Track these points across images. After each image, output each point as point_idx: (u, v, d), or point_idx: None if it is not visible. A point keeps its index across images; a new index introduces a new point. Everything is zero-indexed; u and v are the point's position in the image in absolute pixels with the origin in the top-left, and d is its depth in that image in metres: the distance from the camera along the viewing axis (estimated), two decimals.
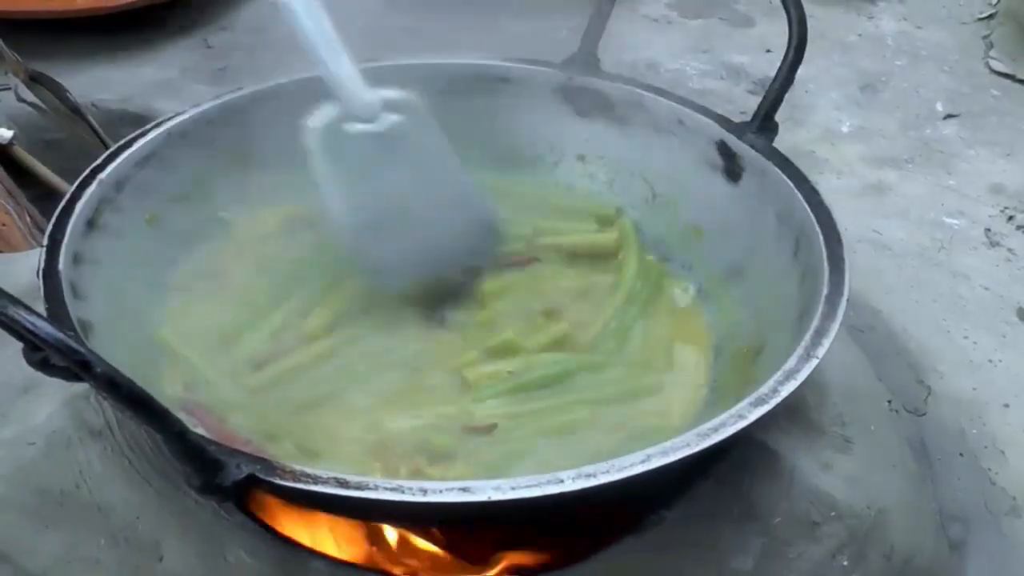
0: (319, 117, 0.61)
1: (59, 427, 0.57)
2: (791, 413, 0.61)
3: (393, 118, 0.63)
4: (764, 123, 0.65)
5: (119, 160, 0.62)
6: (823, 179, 1.04)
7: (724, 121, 0.68)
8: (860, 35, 1.36)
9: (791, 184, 0.61)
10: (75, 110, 0.98)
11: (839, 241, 0.57)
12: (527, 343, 0.62)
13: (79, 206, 0.58)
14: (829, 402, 0.64)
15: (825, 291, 0.53)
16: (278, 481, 0.41)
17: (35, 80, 0.97)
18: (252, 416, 0.56)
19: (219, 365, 0.60)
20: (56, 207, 0.57)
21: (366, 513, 0.52)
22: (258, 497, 0.52)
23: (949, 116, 1.18)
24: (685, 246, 0.70)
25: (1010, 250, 0.95)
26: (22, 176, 0.96)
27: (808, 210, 0.59)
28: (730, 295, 0.66)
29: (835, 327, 0.51)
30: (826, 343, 0.50)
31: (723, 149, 0.67)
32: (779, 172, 0.63)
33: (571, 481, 0.42)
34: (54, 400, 0.59)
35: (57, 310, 0.50)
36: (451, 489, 0.41)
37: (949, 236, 0.97)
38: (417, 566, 0.57)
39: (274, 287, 0.66)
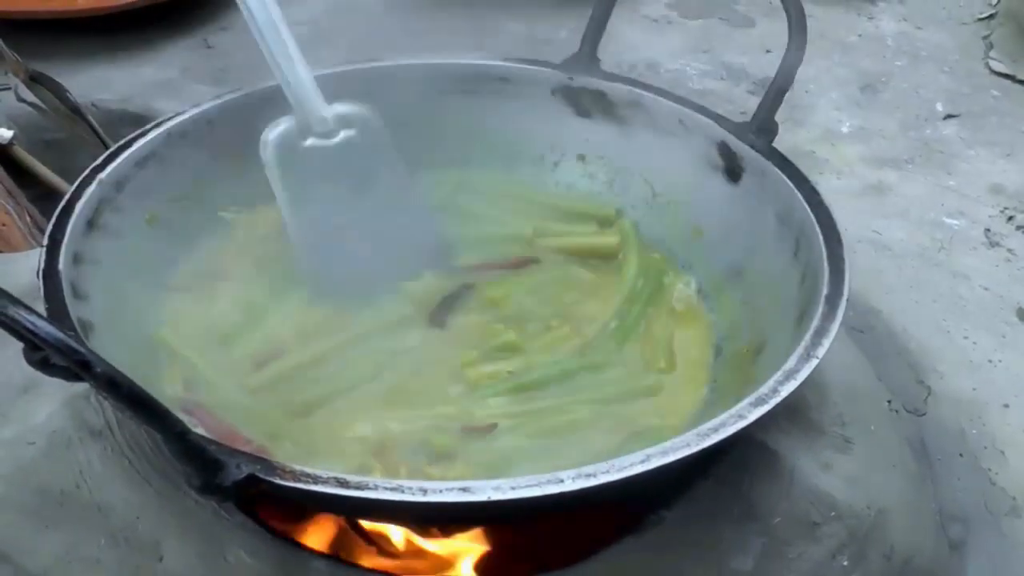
0: (274, 130, 0.65)
1: (59, 427, 0.57)
2: (791, 413, 0.61)
3: (346, 133, 0.66)
4: (764, 123, 0.65)
5: (119, 160, 0.62)
6: (823, 179, 1.04)
7: (724, 121, 0.68)
8: (860, 35, 1.36)
9: (791, 184, 0.62)
10: (75, 110, 0.98)
11: (839, 241, 0.57)
12: (527, 343, 0.63)
13: (79, 206, 0.58)
14: (829, 402, 0.64)
15: (825, 291, 0.53)
16: (278, 481, 0.41)
17: (35, 80, 0.97)
18: (252, 416, 0.56)
19: (219, 365, 0.60)
20: (56, 207, 0.57)
21: (366, 513, 0.52)
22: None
23: (949, 116, 1.18)
24: (685, 246, 0.70)
25: (1010, 250, 0.95)
26: (22, 176, 0.96)
27: (808, 210, 0.59)
28: (730, 295, 0.66)
29: (835, 327, 0.51)
30: (826, 343, 0.50)
31: (723, 149, 0.67)
32: (779, 172, 0.63)
33: (571, 481, 0.42)
34: (54, 400, 0.59)
35: (57, 310, 0.50)
36: (451, 489, 0.41)
37: (949, 236, 0.97)
38: (417, 565, 0.57)
39: (274, 287, 0.66)
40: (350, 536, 0.57)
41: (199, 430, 0.45)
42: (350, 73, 0.71)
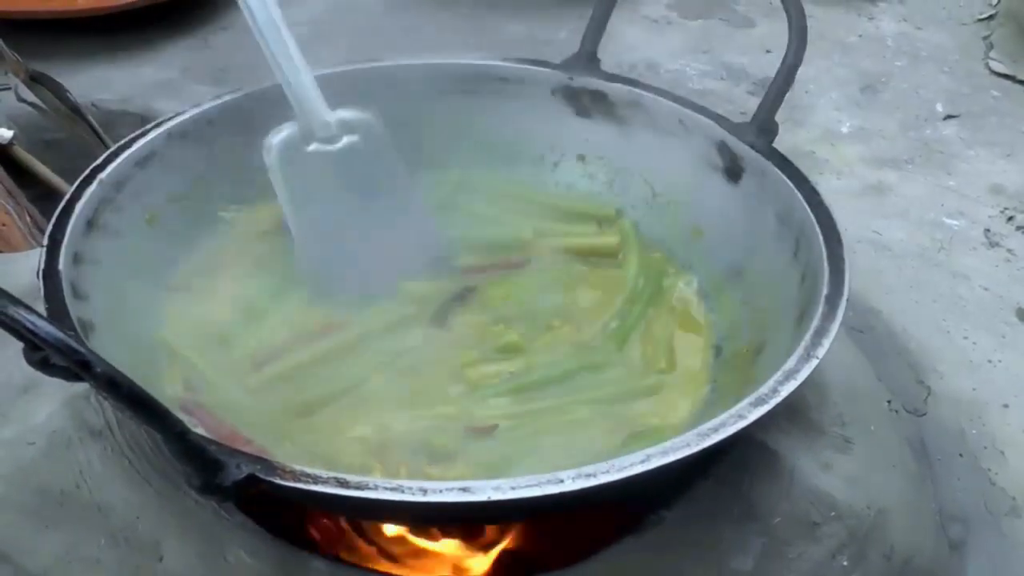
0: (278, 135, 0.65)
1: (59, 427, 0.57)
2: (791, 413, 0.61)
3: (349, 139, 0.67)
4: (764, 123, 0.65)
5: (119, 160, 0.62)
6: (823, 179, 1.04)
7: (724, 121, 0.68)
8: (860, 36, 1.36)
9: (791, 184, 0.62)
10: (75, 110, 0.98)
11: (839, 241, 0.57)
12: (528, 344, 0.63)
13: (79, 206, 0.58)
14: (829, 402, 0.64)
15: (825, 291, 0.53)
16: (278, 481, 0.41)
17: (35, 80, 0.97)
18: (252, 416, 0.56)
19: (219, 365, 0.60)
20: (56, 207, 0.57)
21: (366, 513, 0.52)
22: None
23: (949, 117, 1.18)
24: (685, 246, 0.70)
25: (1010, 250, 0.95)
26: (22, 176, 0.96)
27: (808, 210, 0.59)
28: (730, 295, 0.66)
29: (835, 327, 0.51)
30: (826, 343, 0.50)
31: (723, 149, 0.67)
32: (779, 172, 0.63)
33: (571, 481, 0.42)
34: (54, 400, 0.59)
35: (57, 310, 0.50)
36: (451, 489, 0.41)
37: (949, 236, 0.97)
38: (417, 565, 0.57)
39: (274, 287, 0.66)
40: (350, 535, 0.57)
41: (199, 430, 0.45)
42: (350, 73, 0.71)
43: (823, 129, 1.14)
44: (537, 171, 0.76)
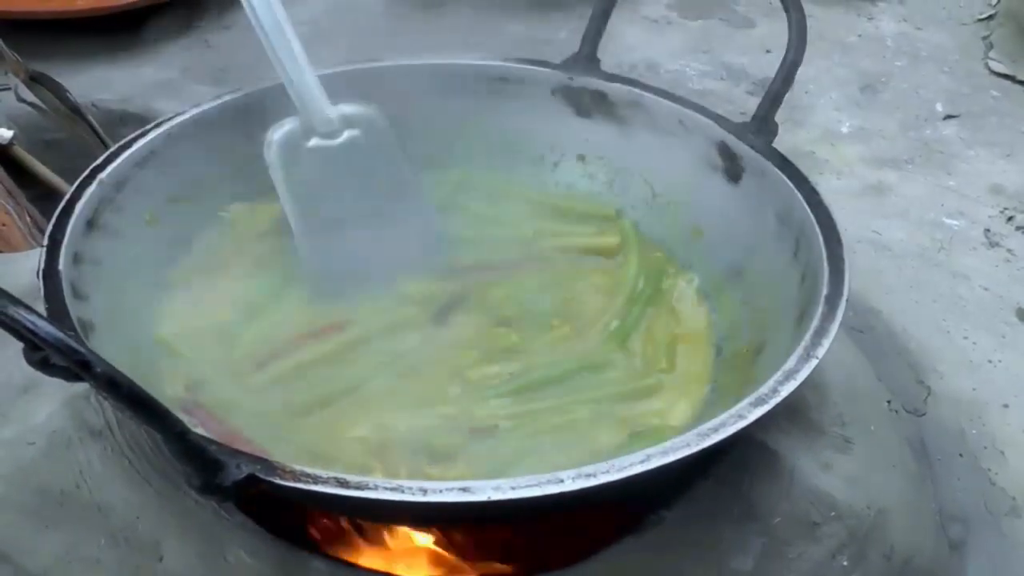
0: (278, 130, 0.65)
1: (59, 427, 0.57)
2: (791, 413, 0.61)
3: (350, 133, 0.67)
4: (764, 124, 0.65)
5: (119, 160, 0.62)
6: (823, 179, 1.04)
7: (724, 122, 0.68)
8: (860, 36, 1.36)
9: (791, 184, 0.62)
10: (75, 110, 0.98)
11: (839, 241, 0.57)
12: (528, 344, 0.63)
13: (79, 206, 0.58)
14: (829, 402, 0.64)
15: (825, 291, 0.53)
16: (278, 481, 0.41)
17: (35, 80, 0.97)
18: (252, 416, 0.56)
19: (219, 365, 0.60)
20: (56, 207, 0.57)
21: (366, 513, 0.52)
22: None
23: (949, 117, 1.18)
24: (685, 246, 0.70)
25: (1010, 251, 0.95)
26: (22, 176, 0.96)
27: (808, 210, 0.59)
28: (730, 295, 0.66)
29: (835, 327, 0.51)
30: (826, 343, 0.50)
31: (723, 150, 0.67)
32: (779, 172, 0.63)
33: (571, 481, 0.42)
34: (54, 400, 0.59)
35: (57, 310, 0.50)
36: (451, 489, 0.41)
37: (949, 236, 0.97)
38: (416, 565, 0.57)
39: (274, 287, 0.66)
40: (349, 535, 0.57)
41: (199, 430, 0.45)
42: (350, 73, 0.71)
43: (823, 129, 1.14)
44: (537, 171, 0.76)
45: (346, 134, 0.67)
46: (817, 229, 0.58)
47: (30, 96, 0.98)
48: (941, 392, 0.78)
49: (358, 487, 0.41)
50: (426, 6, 1.32)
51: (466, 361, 0.61)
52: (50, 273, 0.52)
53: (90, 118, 0.99)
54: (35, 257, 0.54)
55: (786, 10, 0.63)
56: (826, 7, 1.40)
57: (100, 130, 0.98)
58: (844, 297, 0.53)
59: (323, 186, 0.66)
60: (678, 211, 0.71)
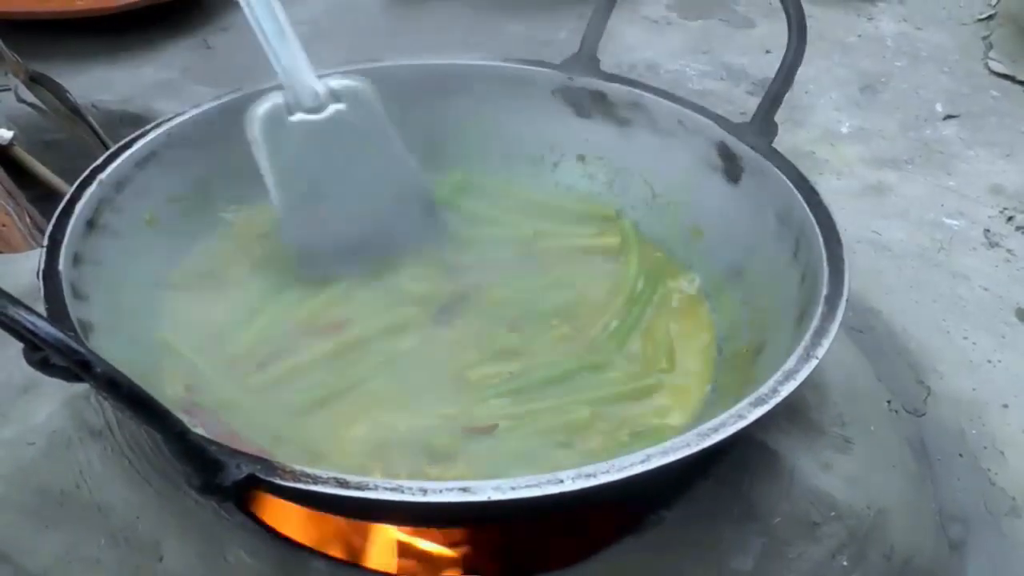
0: (261, 105, 0.64)
1: (59, 427, 0.57)
2: (791, 413, 0.61)
3: (335, 107, 0.65)
4: (764, 124, 0.65)
5: (119, 160, 0.62)
6: (823, 180, 1.04)
7: (724, 122, 0.68)
8: (860, 36, 1.36)
9: (791, 185, 0.62)
10: (75, 111, 0.98)
11: (839, 241, 0.57)
12: (528, 344, 0.63)
13: (79, 206, 0.58)
14: (829, 402, 0.64)
15: (825, 291, 0.53)
16: (278, 481, 0.41)
17: (35, 81, 0.97)
18: (252, 416, 0.56)
19: (219, 365, 0.60)
20: (56, 207, 0.57)
21: (366, 513, 0.52)
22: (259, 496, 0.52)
23: (949, 117, 1.18)
24: (685, 246, 0.70)
25: (1009, 251, 0.95)
26: (22, 176, 0.96)
27: (808, 210, 0.59)
28: (730, 295, 0.66)
29: (835, 327, 0.51)
30: (826, 343, 0.50)
31: (723, 150, 0.68)
32: (779, 173, 0.63)
33: (571, 481, 0.42)
34: (54, 400, 0.59)
35: (57, 310, 0.50)
36: (451, 489, 0.41)
37: (949, 237, 0.97)
38: (417, 566, 0.57)
39: (274, 287, 0.66)
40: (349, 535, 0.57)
41: (199, 430, 0.45)
42: (350, 73, 0.70)
43: (823, 129, 1.14)
44: (537, 171, 0.76)
45: (332, 108, 0.65)
46: (817, 229, 0.58)
47: (30, 97, 0.98)
48: (941, 392, 0.78)
49: (358, 487, 0.41)
50: (426, 6, 1.32)
51: (466, 361, 0.61)
52: (50, 273, 0.52)
53: (90, 119, 0.99)
54: (35, 257, 0.54)
55: (786, 10, 0.63)
56: (826, 7, 1.40)
57: (100, 130, 0.98)
58: (844, 297, 0.53)
59: (308, 163, 0.64)
60: (678, 211, 0.71)
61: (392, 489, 0.41)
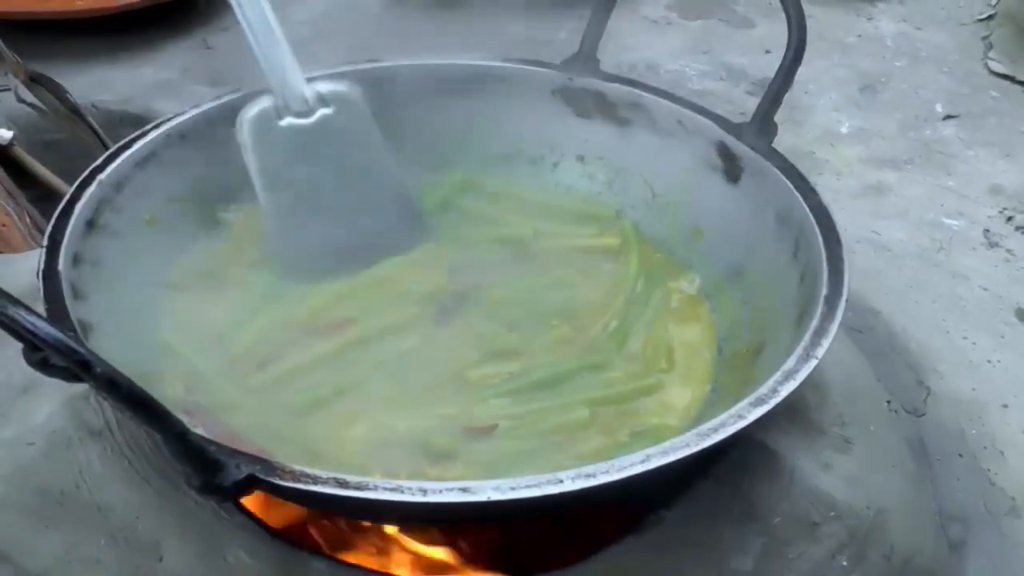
0: (250, 110, 0.64)
1: (59, 427, 0.57)
2: (791, 413, 0.61)
3: (323, 112, 0.66)
4: (763, 124, 0.65)
5: (119, 161, 0.62)
6: (822, 180, 1.04)
7: (723, 122, 0.68)
8: (859, 36, 1.36)
9: (790, 185, 0.62)
10: (75, 111, 0.98)
11: (838, 241, 0.57)
12: (528, 344, 0.63)
13: (79, 207, 0.58)
14: (829, 402, 0.64)
15: (824, 291, 0.53)
16: (278, 481, 0.41)
17: (35, 81, 0.97)
18: (252, 416, 0.56)
19: (219, 365, 0.60)
20: (56, 208, 0.57)
21: (366, 513, 0.52)
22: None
23: (948, 117, 1.18)
24: (685, 247, 0.70)
25: (1009, 251, 0.96)
26: (22, 177, 0.96)
27: (807, 211, 0.59)
28: (730, 295, 0.66)
29: (834, 327, 0.51)
30: (825, 343, 0.50)
31: (722, 150, 0.68)
32: (778, 173, 0.63)
33: (571, 481, 0.42)
34: (54, 400, 0.59)
35: (57, 310, 0.50)
36: (451, 489, 0.41)
37: (948, 237, 0.97)
38: (416, 566, 0.57)
39: (274, 287, 0.66)
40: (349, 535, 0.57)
41: (199, 431, 0.45)
42: (350, 73, 0.71)
43: (822, 129, 1.15)
44: (537, 171, 0.76)
45: (320, 113, 0.66)
46: (816, 229, 0.58)
47: (30, 97, 0.98)
48: (941, 392, 0.78)
49: (358, 487, 0.41)
50: (426, 6, 1.32)
51: (466, 361, 0.61)
52: (50, 274, 0.52)
53: (90, 119, 0.99)
54: (35, 258, 0.54)
55: (786, 10, 0.63)
56: (826, 7, 1.40)
57: (100, 131, 0.98)
58: (844, 297, 0.53)
59: (296, 167, 0.65)
60: (678, 211, 0.71)
61: (392, 489, 0.41)
